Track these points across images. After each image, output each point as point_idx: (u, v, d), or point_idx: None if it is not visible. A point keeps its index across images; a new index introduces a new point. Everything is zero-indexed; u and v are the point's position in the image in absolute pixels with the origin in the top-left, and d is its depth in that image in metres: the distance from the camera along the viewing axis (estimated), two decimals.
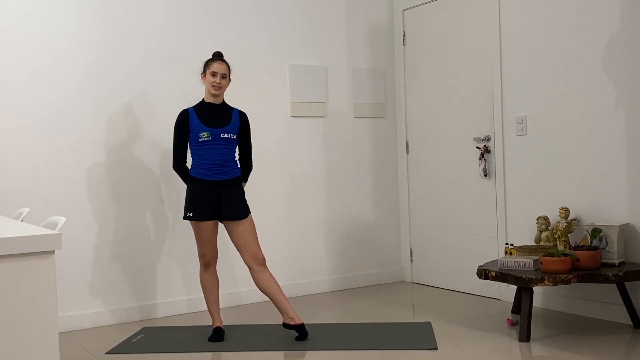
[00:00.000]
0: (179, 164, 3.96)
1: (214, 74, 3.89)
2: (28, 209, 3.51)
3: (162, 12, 4.71)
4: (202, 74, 3.96)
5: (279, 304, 3.88)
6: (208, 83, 3.91)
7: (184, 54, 4.78)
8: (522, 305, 3.80)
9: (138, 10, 4.62)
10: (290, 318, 3.88)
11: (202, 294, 4.78)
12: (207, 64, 3.93)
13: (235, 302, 4.92)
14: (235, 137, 3.95)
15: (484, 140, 4.90)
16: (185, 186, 4.40)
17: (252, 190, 5.01)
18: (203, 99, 3.98)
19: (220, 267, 4.87)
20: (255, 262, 3.90)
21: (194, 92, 4.80)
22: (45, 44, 4.32)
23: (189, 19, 4.81)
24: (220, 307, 4.85)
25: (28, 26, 4.28)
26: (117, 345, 3.92)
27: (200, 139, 3.86)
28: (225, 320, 4.46)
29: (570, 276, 3.72)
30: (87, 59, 4.45)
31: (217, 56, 3.96)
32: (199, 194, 3.87)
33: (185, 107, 4.06)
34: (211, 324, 4.10)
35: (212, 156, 3.87)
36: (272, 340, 3.93)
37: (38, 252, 1.88)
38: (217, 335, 3.94)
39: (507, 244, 4.32)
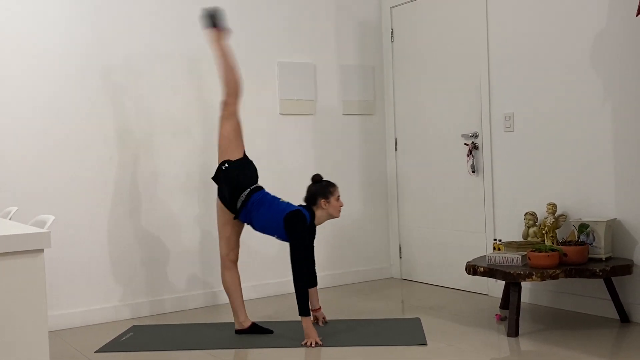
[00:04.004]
0: (305, 267, 3.81)
1: (339, 199, 3.95)
2: (16, 208, 3.49)
3: (151, 9, 4.69)
4: (323, 200, 3.89)
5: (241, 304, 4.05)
6: (333, 208, 3.91)
7: (173, 51, 4.76)
8: (510, 300, 3.82)
9: (128, 7, 4.60)
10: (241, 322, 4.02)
11: (190, 292, 4.79)
12: (330, 191, 3.92)
13: (223, 301, 4.93)
14: None
15: (472, 137, 4.92)
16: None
17: None
18: (312, 218, 3.92)
19: (214, 266, 4.88)
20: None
21: (184, 89, 4.79)
22: (34, 40, 4.30)
23: (178, 16, 4.79)
24: (207, 305, 4.86)
25: (17, 22, 4.25)
26: (107, 344, 3.91)
27: None
28: (213, 319, 4.46)
29: (557, 271, 3.74)
30: (76, 56, 4.43)
31: (331, 182, 4.00)
32: None
33: (301, 213, 3.86)
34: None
35: None
36: (261, 337, 3.93)
37: (27, 251, 1.88)
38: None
39: (495, 239, 4.35)
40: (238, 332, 4.00)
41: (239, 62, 5.02)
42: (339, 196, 3.96)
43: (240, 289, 4.03)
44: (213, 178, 3.94)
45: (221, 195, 3.93)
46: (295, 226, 3.80)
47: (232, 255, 4.02)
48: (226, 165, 3.89)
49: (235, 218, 3.93)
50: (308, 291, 3.77)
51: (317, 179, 4.00)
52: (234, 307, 4.01)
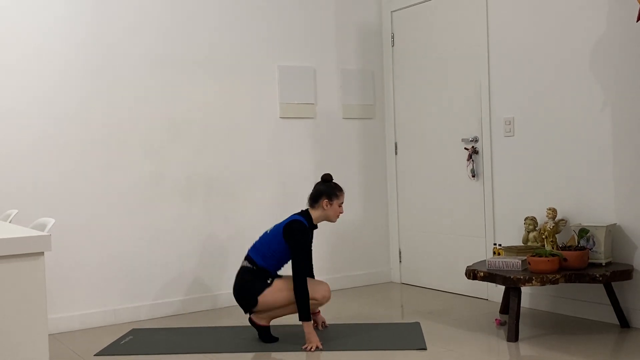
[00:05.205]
0: (307, 272, 3.82)
1: (341, 205, 3.97)
2: (16, 211, 3.49)
3: (150, 13, 4.69)
4: (326, 201, 3.91)
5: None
6: (334, 212, 3.94)
7: (172, 54, 4.77)
8: (510, 305, 3.82)
9: (127, 10, 4.60)
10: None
11: (190, 296, 4.79)
12: (337, 195, 3.93)
13: (221, 305, 4.93)
14: None
15: (472, 141, 4.92)
16: None
17: (242, 191, 5.01)
18: (312, 219, 3.93)
19: (213, 269, 4.88)
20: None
21: (182, 93, 4.80)
22: (33, 41, 4.30)
23: (178, 19, 4.80)
24: (207, 309, 4.85)
25: (14, 21, 4.25)
26: (106, 347, 3.91)
27: None
28: (212, 323, 4.46)
29: (557, 276, 3.74)
30: (75, 57, 4.43)
31: (339, 186, 4.00)
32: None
33: (299, 219, 3.87)
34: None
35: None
36: (259, 340, 3.93)
37: (27, 254, 1.88)
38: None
39: (495, 244, 4.34)
40: (251, 321, 3.93)
41: (240, 66, 5.03)
42: (342, 203, 3.97)
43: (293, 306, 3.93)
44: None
45: (259, 289, 3.87)
46: (295, 234, 3.81)
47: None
48: (269, 280, 3.88)
49: (271, 282, 3.87)
50: (309, 296, 3.77)
51: (327, 178, 4.00)
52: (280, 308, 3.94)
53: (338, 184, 4.02)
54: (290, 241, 3.82)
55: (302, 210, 3.99)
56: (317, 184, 4.01)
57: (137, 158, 4.63)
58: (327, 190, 3.95)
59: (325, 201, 3.93)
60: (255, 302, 3.84)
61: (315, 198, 3.96)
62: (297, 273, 3.75)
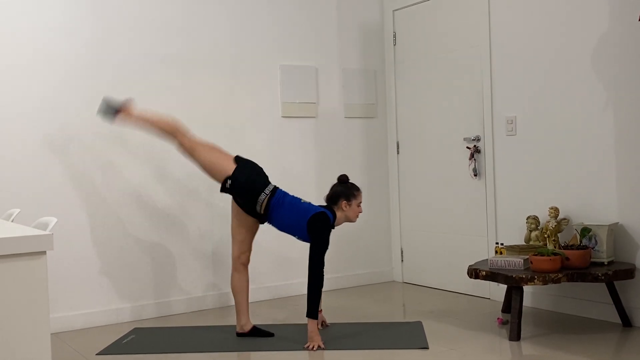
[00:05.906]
0: (323, 268, 3.77)
1: (360, 205, 3.94)
2: (18, 210, 3.49)
3: (152, 11, 4.70)
4: (345, 202, 3.88)
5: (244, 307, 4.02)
6: (353, 212, 3.91)
7: (174, 53, 4.77)
8: (512, 304, 3.82)
9: (128, 8, 4.61)
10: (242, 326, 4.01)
11: (192, 295, 4.79)
12: (354, 195, 3.91)
13: (223, 303, 4.93)
14: None
15: (474, 140, 4.92)
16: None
17: None
18: (334, 218, 3.89)
19: (215, 268, 4.88)
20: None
21: (183, 92, 4.80)
22: (33, 41, 4.30)
23: (180, 18, 4.80)
24: (211, 308, 4.85)
25: (15, 21, 4.25)
26: (108, 346, 3.91)
27: None
28: (215, 322, 4.46)
29: (560, 275, 3.74)
30: (77, 57, 4.43)
31: (356, 185, 3.98)
32: None
33: (325, 214, 3.82)
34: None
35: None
36: (263, 339, 3.93)
37: (29, 253, 1.88)
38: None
39: (497, 243, 4.34)
40: (239, 335, 4.00)
41: (242, 65, 5.04)
42: (360, 202, 3.94)
43: (247, 292, 4.01)
44: (222, 191, 3.88)
45: (237, 202, 3.90)
46: (320, 228, 3.77)
47: (243, 258, 4.00)
48: (229, 181, 3.80)
49: (262, 222, 3.94)
50: (321, 294, 3.75)
51: (343, 179, 3.97)
52: (237, 310, 4.01)
53: (355, 183, 3.99)
54: (312, 232, 3.78)
55: (328, 205, 3.94)
56: (334, 186, 3.96)
57: (138, 157, 4.63)
58: (344, 191, 3.91)
59: (343, 202, 3.89)
60: (229, 184, 3.80)
61: (333, 200, 3.92)
62: (314, 267, 3.72)
